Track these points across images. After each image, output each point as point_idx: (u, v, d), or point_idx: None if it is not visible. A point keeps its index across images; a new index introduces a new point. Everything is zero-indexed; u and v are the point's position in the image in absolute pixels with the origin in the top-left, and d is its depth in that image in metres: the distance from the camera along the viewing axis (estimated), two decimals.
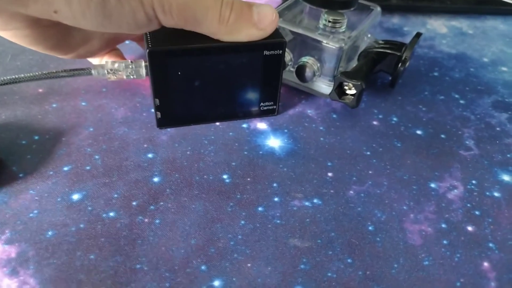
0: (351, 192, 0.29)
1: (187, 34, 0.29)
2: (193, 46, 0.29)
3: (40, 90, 0.36)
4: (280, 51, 0.31)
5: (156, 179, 0.29)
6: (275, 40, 0.30)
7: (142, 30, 0.27)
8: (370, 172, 0.31)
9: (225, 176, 0.29)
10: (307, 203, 0.28)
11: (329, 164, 0.31)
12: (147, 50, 0.28)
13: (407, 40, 0.49)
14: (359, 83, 0.33)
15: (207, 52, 0.29)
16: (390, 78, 0.40)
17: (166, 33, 0.29)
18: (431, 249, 0.26)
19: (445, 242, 0.26)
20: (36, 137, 0.31)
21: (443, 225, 0.27)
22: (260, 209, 0.27)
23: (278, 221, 0.26)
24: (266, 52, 0.31)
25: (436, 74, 0.44)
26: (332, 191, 0.29)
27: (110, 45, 0.33)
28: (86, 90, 0.36)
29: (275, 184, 0.29)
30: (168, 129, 0.33)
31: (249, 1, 0.29)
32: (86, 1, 0.23)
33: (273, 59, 0.31)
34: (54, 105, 0.35)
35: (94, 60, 0.35)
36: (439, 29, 0.53)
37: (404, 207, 0.28)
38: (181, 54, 0.29)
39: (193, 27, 0.27)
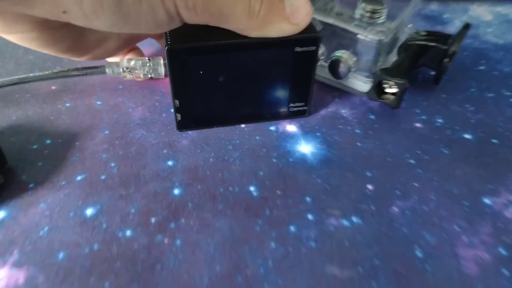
0: (395, 208, 0.26)
1: (209, 29, 0.26)
2: (217, 42, 0.26)
3: (53, 88, 0.34)
4: (314, 47, 0.28)
5: (176, 191, 0.26)
6: (308, 35, 0.27)
7: (162, 29, 0.24)
8: (415, 184, 0.27)
9: (252, 188, 0.26)
10: (345, 222, 0.25)
11: (368, 174, 0.28)
12: (166, 48, 0.25)
13: (448, 29, 0.45)
14: (403, 81, 0.29)
15: (232, 49, 0.26)
16: (432, 73, 0.36)
17: (187, 28, 0.26)
18: (489, 281, 0.22)
19: (505, 272, 0.23)
20: (48, 141, 0.29)
21: (502, 251, 0.24)
22: (292, 228, 0.24)
23: (313, 244, 0.24)
24: (297, 49, 0.27)
25: (482, 67, 0.39)
26: (373, 207, 0.26)
27: (128, 44, 0.30)
28: (102, 88, 0.34)
29: (308, 198, 0.26)
30: (189, 132, 0.30)
31: None
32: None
33: (306, 56, 0.28)
34: (67, 104, 0.32)
35: (113, 59, 0.33)
36: (483, 16, 0.48)
37: (456, 228, 0.25)
38: (204, 52, 0.26)
39: (219, 23, 0.24)
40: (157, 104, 0.32)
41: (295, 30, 0.26)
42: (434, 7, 0.49)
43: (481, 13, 0.49)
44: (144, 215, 0.25)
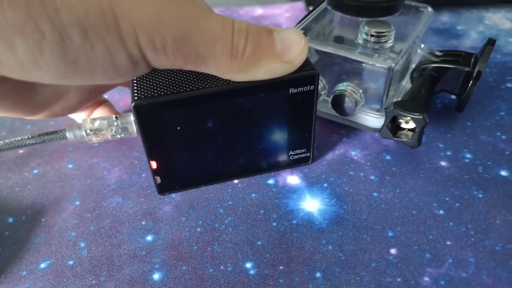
0: (426, 279, 0.21)
1: (184, 74, 0.22)
2: (195, 93, 0.21)
3: (21, 151, 0.30)
4: (312, 87, 0.23)
5: (156, 276, 0.21)
6: (304, 73, 0.22)
7: (125, 77, 0.19)
8: (448, 242, 0.22)
9: (248, 265, 0.22)
10: None
11: (390, 234, 0.23)
12: (132, 104, 0.21)
13: (464, 42, 0.40)
14: (421, 116, 0.25)
15: (214, 98, 0.22)
16: (453, 97, 0.31)
17: (157, 74, 0.22)
18: None
19: None
20: (10, 220, 0.25)
21: None
22: None
23: None
24: (292, 90, 0.23)
25: (510, 85, 0.34)
26: (399, 279, 0.21)
27: (93, 96, 0.26)
28: (75, 147, 0.30)
29: (318, 274, 0.21)
30: (173, 195, 0.26)
31: (266, 26, 0.21)
32: (36, 43, 0.15)
33: (303, 97, 0.24)
34: (35, 171, 0.28)
35: (80, 116, 0.28)
36: (501, 24, 0.43)
37: None
38: (180, 105, 0.22)
39: (196, 67, 0.19)
40: (136, 162, 0.28)
41: (289, 70, 0.22)
42: (445, 18, 0.45)
43: (499, 21, 0.44)
44: None
